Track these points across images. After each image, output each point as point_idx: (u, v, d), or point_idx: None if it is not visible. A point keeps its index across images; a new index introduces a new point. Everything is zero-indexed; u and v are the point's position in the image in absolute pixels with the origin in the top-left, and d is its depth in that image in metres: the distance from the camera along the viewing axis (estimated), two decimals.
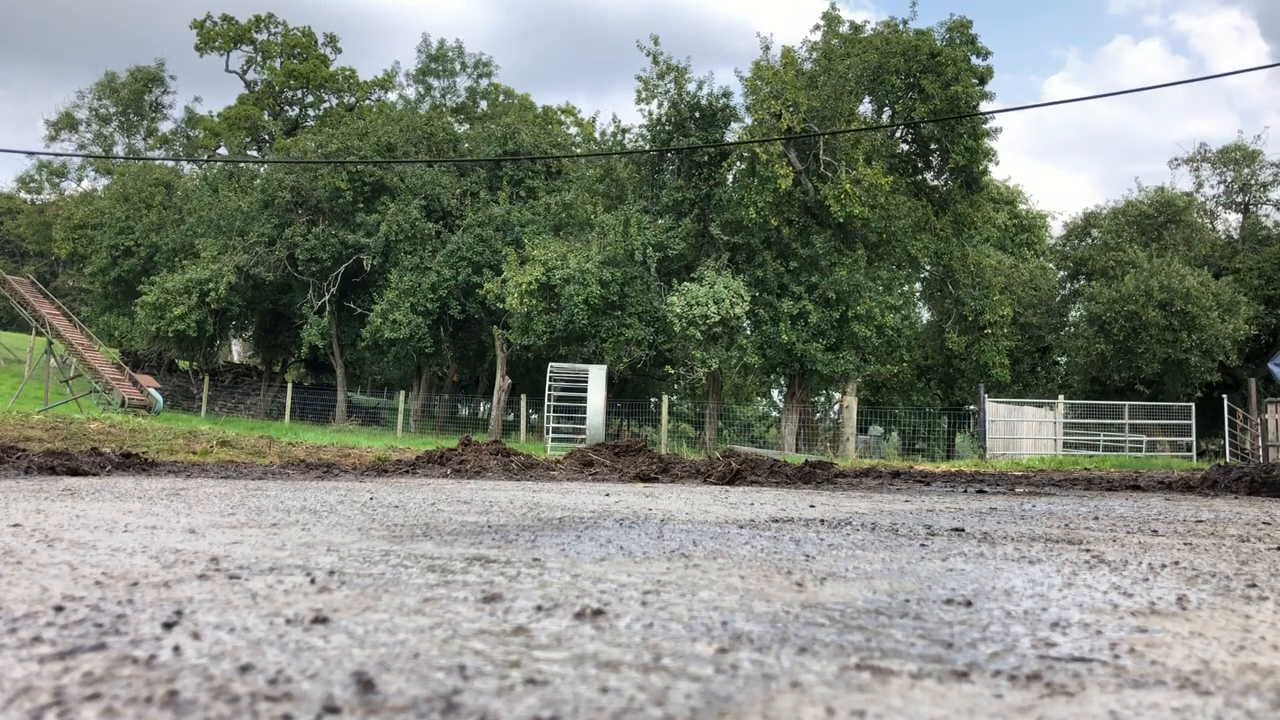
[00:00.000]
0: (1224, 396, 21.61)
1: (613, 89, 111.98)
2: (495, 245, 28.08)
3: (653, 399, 33.09)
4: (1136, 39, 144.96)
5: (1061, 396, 24.78)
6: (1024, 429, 21.28)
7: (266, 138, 43.15)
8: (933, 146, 25.50)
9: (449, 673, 0.77)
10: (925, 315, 31.81)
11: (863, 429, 25.83)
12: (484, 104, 42.26)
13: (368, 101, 43.60)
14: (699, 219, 24.30)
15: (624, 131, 27.66)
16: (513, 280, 24.32)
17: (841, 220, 22.62)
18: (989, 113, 24.31)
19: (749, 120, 23.97)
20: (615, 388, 28.17)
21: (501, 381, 27.60)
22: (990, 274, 27.89)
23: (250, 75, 45.14)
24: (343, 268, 29.86)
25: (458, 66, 42.20)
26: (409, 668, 0.78)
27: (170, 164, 39.31)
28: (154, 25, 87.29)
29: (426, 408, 32.19)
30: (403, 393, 30.25)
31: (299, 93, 44.86)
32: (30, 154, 47.43)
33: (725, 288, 22.04)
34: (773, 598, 1.16)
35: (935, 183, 26.31)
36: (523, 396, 28.12)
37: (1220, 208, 34.76)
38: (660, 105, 24.20)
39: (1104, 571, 1.51)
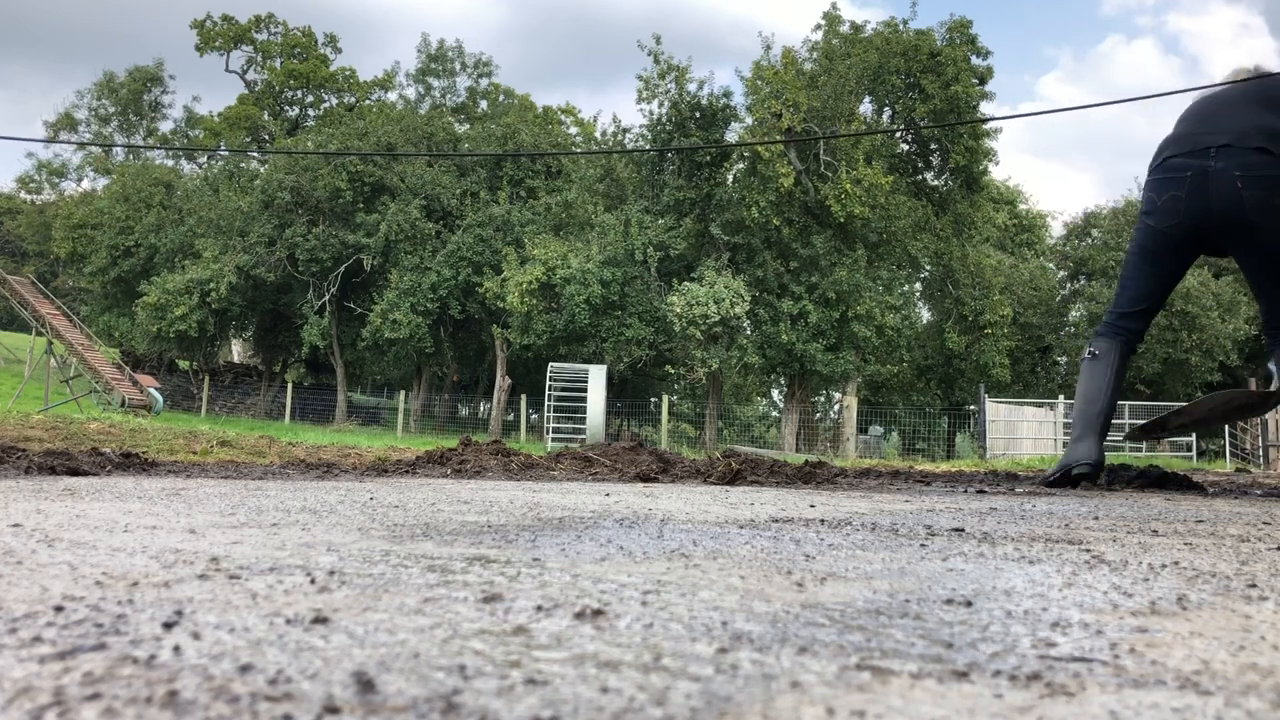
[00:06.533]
0: None
1: (615, 87, 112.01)
2: (495, 245, 28.09)
3: (653, 399, 33.09)
4: (1129, 38, 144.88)
5: (1061, 396, 24.77)
6: (1024, 429, 21.28)
7: (266, 138, 43.16)
8: (933, 146, 25.52)
9: (449, 673, 0.77)
10: (925, 315, 31.82)
11: (863, 429, 25.83)
12: (484, 104, 42.29)
13: (368, 101, 43.60)
14: (699, 219, 24.30)
15: (624, 131, 27.69)
16: (513, 280, 24.33)
17: (842, 220, 22.62)
18: (993, 119, 24.34)
19: (749, 120, 23.98)
20: (615, 388, 28.18)
21: (501, 381, 27.61)
22: (990, 274, 27.89)
23: (250, 75, 45.16)
24: (343, 268, 29.86)
25: (458, 66, 42.23)
26: (409, 668, 0.78)
27: (170, 163, 39.31)
28: (154, 25, 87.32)
29: (426, 408, 32.19)
30: (403, 393, 30.26)
31: (299, 93, 44.86)
32: (47, 142, 47.43)
33: (725, 288, 22.04)
34: (773, 598, 1.16)
35: (935, 183, 26.33)
36: (523, 396, 28.13)
37: None
38: (661, 105, 24.21)
39: (1104, 571, 1.51)
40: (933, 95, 24.05)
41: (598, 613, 1.02)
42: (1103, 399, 4.58)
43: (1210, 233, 4.32)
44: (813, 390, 26.36)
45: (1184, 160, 4.29)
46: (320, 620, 0.94)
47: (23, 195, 52.53)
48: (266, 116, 43.50)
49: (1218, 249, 4.50)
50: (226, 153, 36.96)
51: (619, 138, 27.83)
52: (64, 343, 27.66)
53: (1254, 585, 1.38)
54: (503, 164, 30.71)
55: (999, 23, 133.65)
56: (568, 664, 0.80)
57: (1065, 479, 4.62)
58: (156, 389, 26.90)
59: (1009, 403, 22.42)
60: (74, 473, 3.61)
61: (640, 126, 26.83)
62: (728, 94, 24.61)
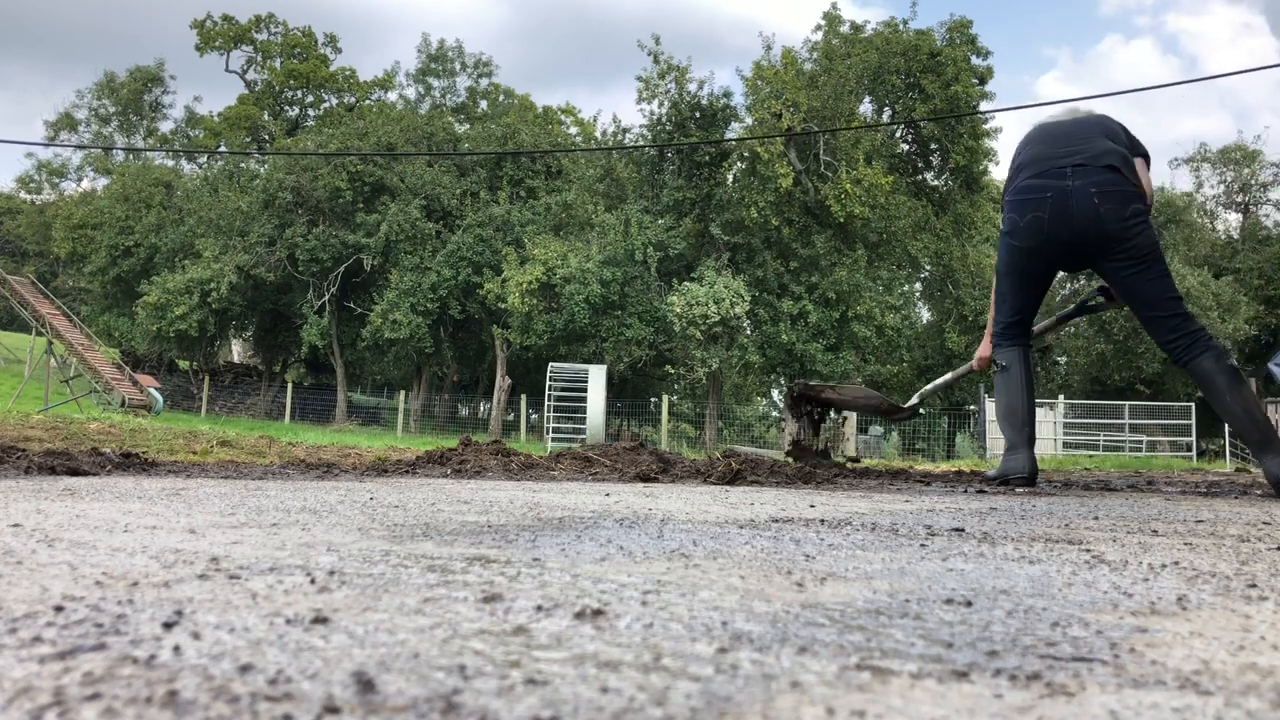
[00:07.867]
0: None
1: (615, 87, 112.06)
2: (495, 245, 28.10)
3: (653, 399, 33.08)
4: (1127, 38, 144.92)
5: (1061, 396, 24.78)
6: None
7: (266, 138, 43.15)
8: (933, 146, 25.54)
9: (449, 673, 0.77)
10: (925, 315, 31.82)
11: (863, 429, 25.82)
12: (484, 104, 42.29)
13: (368, 101, 43.60)
14: (699, 219, 24.31)
15: (624, 131, 27.71)
16: (513, 279, 24.34)
17: (842, 220, 22.63)
18: (989, 112, 24.34)
19: (750, 120, 23.99)
20: (615, 388, 28.17)
21: (501, 381, 27.61)
22: (990, 274, 27.87)
23: (250, 75, 45.17)
24: (343, 268, 29.87)
25: (458, 66, 42.24)
26: (409, 668, 0.78)
27: (170, 163, 39.31)
28: (154, 25, 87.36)
29: (426, 408, 32.19)
30: (403, 393, 30.26)
31: (299, 93, 44.86)
32: (48, 145, 47.41)
33: (725, 287, 22.04)
34: (773, 598, 1.16)
35: (935, 183, 26.35)
36: (523, 396, 28.12)
37: (1220, 208, 34.80)
38: (661, 105, 24.23)
39: (1104, 571, 1.51)
40: (933, 95, 24.07)
41: (598, 613, 1.02)
42: (1023, 408, 4.93)
43: (1074, 246, 4.65)
44: None
45: (1043, 181, 4.59)
46: (320, 620, 0.94)
47: (23, 195, 52.51)
48: (266, 116, 43.50)
49: (1078, 263, 4.84)
50: (225, 152, 36.96)
51: (619, 138, 27.84)
52: (64, 343, 27.66)
53: (1254, 585, 1.38)
54: (503, 164, 30.71)
55: (999, 23, 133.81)
56: (568, 664, 0.80)
57: (1004, 484, 4.84)
58: (156, 389, 26.89)
59: None
60: (74, 473, 3.61)
61: (640, 126, 26.85)
62: (728, 94, 24.65)
